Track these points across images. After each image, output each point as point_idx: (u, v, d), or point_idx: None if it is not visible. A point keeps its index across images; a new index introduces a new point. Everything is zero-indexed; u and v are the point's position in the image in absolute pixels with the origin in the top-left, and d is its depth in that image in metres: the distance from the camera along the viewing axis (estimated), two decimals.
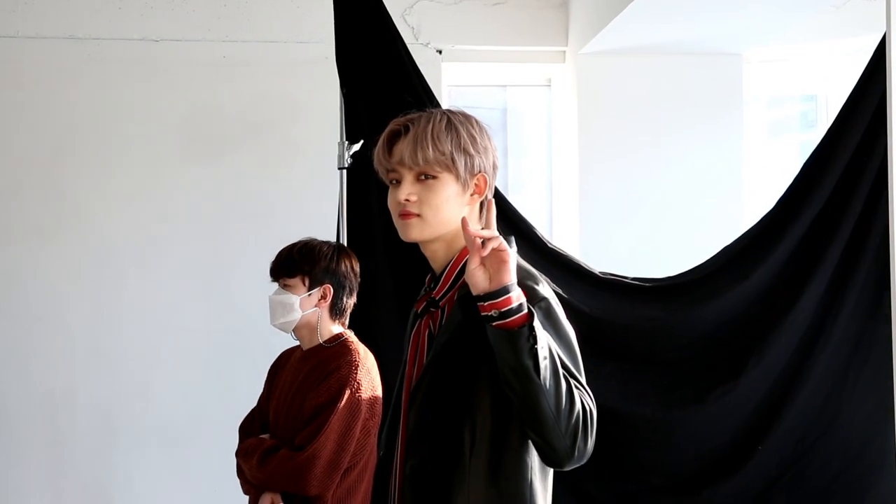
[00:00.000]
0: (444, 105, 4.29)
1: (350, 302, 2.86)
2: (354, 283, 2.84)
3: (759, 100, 5.17)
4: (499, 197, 3.26)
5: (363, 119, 3.26)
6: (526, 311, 1.64)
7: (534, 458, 1.79)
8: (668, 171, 4.65)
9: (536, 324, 1.63)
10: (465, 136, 1.85)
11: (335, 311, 2.82)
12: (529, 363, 1.62)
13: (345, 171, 3.30)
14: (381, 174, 1.93)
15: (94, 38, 4.51)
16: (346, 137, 3.30)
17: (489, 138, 1.91)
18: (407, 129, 1.86)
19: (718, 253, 3.29)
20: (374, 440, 2.72)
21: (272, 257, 2.86)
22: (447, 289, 1.89)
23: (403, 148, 1.85)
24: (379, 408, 2.74)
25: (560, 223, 5.04)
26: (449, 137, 1.84)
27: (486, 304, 1.64)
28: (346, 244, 3.25)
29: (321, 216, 3.74)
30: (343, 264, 2.81)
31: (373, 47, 3.29)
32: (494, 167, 1.92)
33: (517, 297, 1.64)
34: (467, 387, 1.79)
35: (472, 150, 1.85)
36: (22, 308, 4.54)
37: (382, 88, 3.26)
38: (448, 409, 1.81)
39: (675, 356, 3.23)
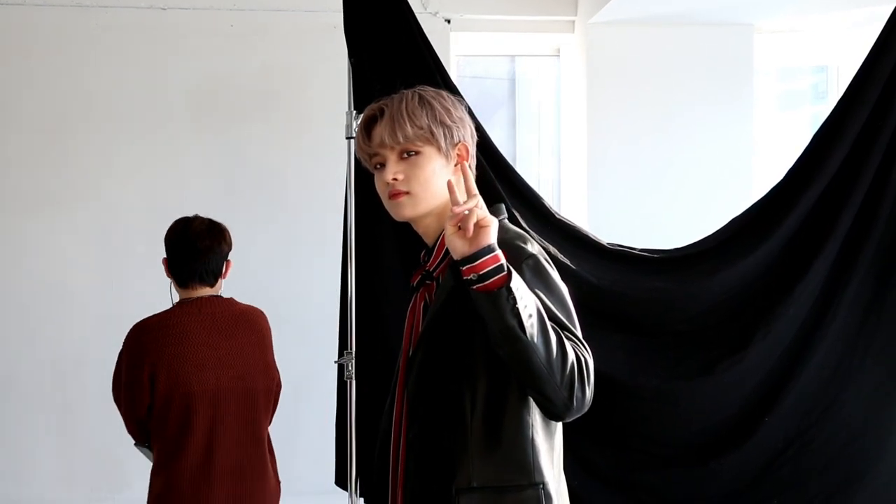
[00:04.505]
0: (453, 75, 4.28)
1: (193, 265, 2.96)
2: (183, 246, 2.97)
3: (771, 72, 5.14)
4: (506, 167, 3.25)
5: (371, 88, 3.25)
6: (505, 272, 1.65)
7: (535, 416, 1.81)
8: (677, 141, 4.63)
9: (515, 283, 1.64)
10: (440, 108, 1.90)
11: (177, 279, 2.99)
12: (514, 322, 1.63)
13: (353, 141, 3.29)
14: (365, 161, 1.96)
15: (101, 6, 4.49)
16: (354, 107, 3.29)
17: (463, 110, 1.96)
18: (382, 112, 1.90)
19: (727, 224, 3.27)
20: (137, 396, 2.87)
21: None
22: (440, 260, 1.91)
23: (382, 130, 1.88)
24: (139, 375, 2.86)
25: (568, 194, 5.03)
26: (424, 112, 1.88)
27: (464, 268, 1.65)
28: (353, 213, 3.26)
29: (329, 185, 3.73)
30: (168, 238, 3.00)
31: (381, 16, 3.27)
32: (473, 137, 1.96)
33: (495, 259, 1.65)
34: (463, 351, 1.81)
35: (448, 121, 1.89)
36: (31, 276, 4.55)
37: (391, 58, 3.25)
38: (446, 375, 1.83)
39: (683, 328, 3.22)
